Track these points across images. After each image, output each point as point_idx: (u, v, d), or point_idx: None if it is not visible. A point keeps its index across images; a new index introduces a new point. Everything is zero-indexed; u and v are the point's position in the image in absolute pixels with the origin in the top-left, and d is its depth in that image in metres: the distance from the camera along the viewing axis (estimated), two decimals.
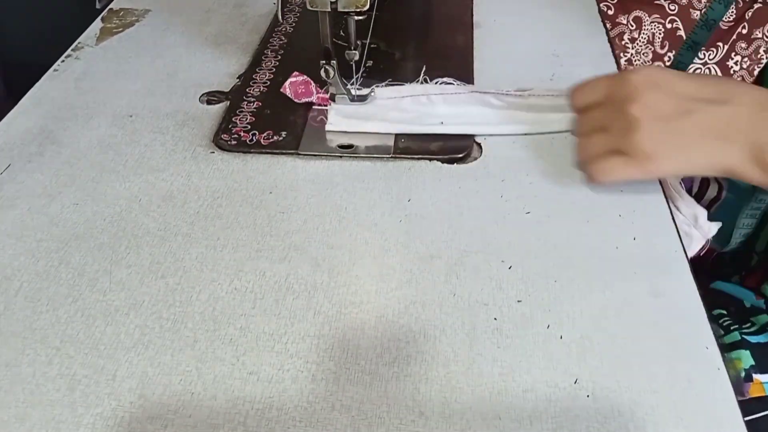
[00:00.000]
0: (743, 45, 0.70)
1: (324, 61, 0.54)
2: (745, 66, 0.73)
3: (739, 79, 0.71)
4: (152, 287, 0.42)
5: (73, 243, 0.45)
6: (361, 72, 0.58)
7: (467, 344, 0.39)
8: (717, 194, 0.68)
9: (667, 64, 0.78)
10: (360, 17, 0.52)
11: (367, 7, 0.50)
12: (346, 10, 0.51)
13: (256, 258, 0.44)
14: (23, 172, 0.51)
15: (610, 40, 0.67)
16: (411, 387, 0.37)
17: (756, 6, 0.69)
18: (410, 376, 0.37)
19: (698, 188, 0.70)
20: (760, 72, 0.61)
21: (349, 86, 0.56)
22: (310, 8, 0.50)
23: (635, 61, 0.79)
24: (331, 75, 0.54)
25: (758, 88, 0.44)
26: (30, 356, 0.38)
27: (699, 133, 0.42)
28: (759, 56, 0.71)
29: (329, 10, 0.50)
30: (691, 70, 0.75)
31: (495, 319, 0.40)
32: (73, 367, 0.38)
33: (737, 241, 0.57)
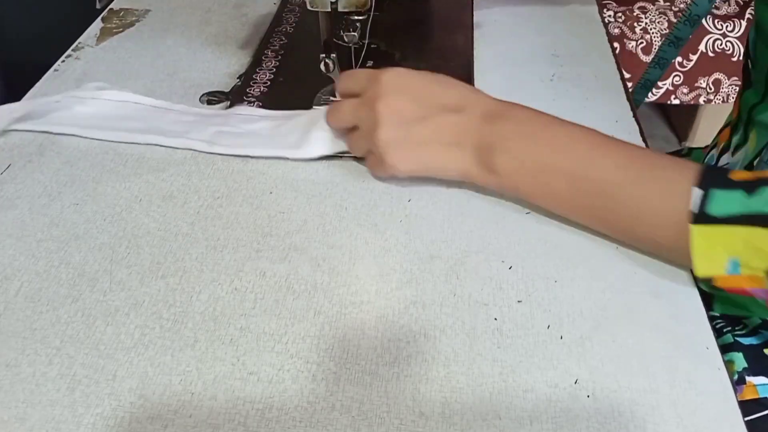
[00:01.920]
0: None
1: (324, 55, 0.53)
2: None
3: None
4: (152, 287, 0.42)
5: (73, 243, 0.45)
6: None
7: (467, 344, 0.39)
8: None
9: (652, 57, 0.78)
10: (360, 17, 0.52)
11: (368, 7, 0.50)
12: (346, 10, 0.51)
13: (256, 258, 0.44)
14: (23, 172, 0.51)
15: (610, 40, 0.67)
16: (411, 387, 0.37)
17: None
18: (410, 376, 0.37)
19: None
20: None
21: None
22: (311, 8, 0.50)
23: (651, 29, 0.78)
24: (332, 68, 0.54)
25: (493, 98, 0.47)
26: (30, 356, 0.38)
27: (432, 138, 0.45)
28: None
29: (329, 10, 0.50)
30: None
31: (495, 319, 0.40)
32: (74, 367, 0.38)
33: None
